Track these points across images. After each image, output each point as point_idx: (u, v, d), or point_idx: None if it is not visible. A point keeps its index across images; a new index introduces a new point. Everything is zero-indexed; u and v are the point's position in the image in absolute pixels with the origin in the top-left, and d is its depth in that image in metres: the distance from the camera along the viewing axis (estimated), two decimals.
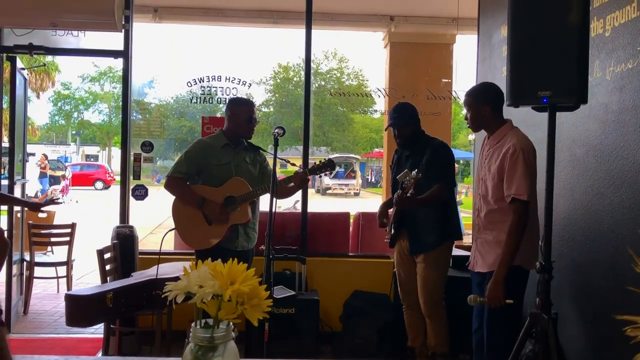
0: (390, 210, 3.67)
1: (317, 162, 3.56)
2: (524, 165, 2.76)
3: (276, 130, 3.26)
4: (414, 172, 3.28)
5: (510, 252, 2.76)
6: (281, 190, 3.48)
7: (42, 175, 19.73)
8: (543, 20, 2.61)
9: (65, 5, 4.24)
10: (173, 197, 3.56)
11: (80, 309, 3.32)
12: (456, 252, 4.28)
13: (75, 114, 34.11)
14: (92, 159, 33.63)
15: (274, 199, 3.11)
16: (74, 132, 35.27)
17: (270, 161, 3.40)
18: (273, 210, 3.06)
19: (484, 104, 2.99)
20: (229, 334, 1.11)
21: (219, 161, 3.52)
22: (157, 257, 3.51)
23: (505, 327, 2.88)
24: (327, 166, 3.48)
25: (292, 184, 3.52)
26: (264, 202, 3.56)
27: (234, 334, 1.13)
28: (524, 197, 2.74)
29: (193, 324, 1.12)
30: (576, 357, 3.02)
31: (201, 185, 3.52)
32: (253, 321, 1.09)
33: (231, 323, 1.12)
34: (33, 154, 19.49)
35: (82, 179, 24.68)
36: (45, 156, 21.14)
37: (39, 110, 39.67)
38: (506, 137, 2.91)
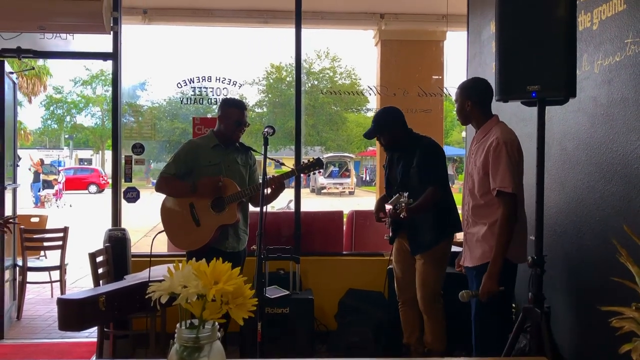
0: (388, 206, 3.67)
1: (305, 162, 3.56)
2: (507, 158, 2.77)
3: (266, 130, 3.24)
4: (404, 197, 3.29)
5: (502, 245, 2.76)
6: (257, 197, 3.44)
7: (36, 180, 19.65)
8: (531, 15, 2.62)
9: (53, 8, 4.22)
10: (162, 200, 3.55)
11: (73, 313, 3.29)
12: (453, 248, 4.28)
13: (68, 118, 33.91)
14: (85, 163, 33.45)
15: (262, 200, 3.08)
16: (66, 136, 35.09)
17: (261, 163, 3.38)
18: (264, 209, 3.05)
19: (466, 98, 3.02)
20: (215, 334, 1.10)
21: (209, 162, 3.50)
22: (149, 259, 3.50)
23: (496, 320, 2.90)
24: (316, 165, 3.48)
25: (269, 190, 3.47)
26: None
27: (220, 334, 1.12)
28: (508, 189, 2.75)
29: (178, 325, 1.11)
30: (570, 350, 3.03)
31: None
32: (238, 320, 1.08)
33: (216, 323, 1.11)
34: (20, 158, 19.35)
35: (76, 183, 24.56)
36: (42, 160, 21.08)
37: (32, 115, 39.51)
38: (491, 131, 2.92)
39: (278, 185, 3.45)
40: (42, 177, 19.98)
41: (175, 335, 1.11)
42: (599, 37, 2.81)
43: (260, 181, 3.20)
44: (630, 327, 1.09)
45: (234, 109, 3.58)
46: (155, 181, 3.59)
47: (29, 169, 19.41)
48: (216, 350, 1.10)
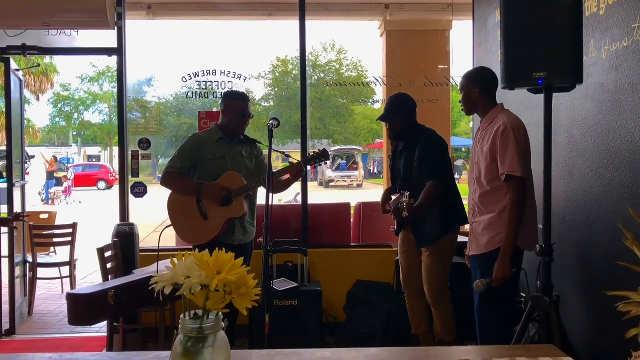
0: (394, 197, 3.66)
1: (311, 153, 3.56)
2: (515, 142, 2.75)
3: (271, 122, 3.23)
4: (405, 197, 3.28)
5: (513, 230, 2.75)
6: (276, 183, 3.44)
7: (50, 177, 19.78)
8: (536, 1, 2.59)
9: (57, 4, 4.23)
10: (169, 195, 3.56)
11: (82, 308, 3.31)
12: (460, 238, 4.27)
13: (76, 115, 34.07)
14: (94, 160, 33.62)
15: (271, 193, 3.09)
16: (75, 133, 35.27)
17: (266, 156, 3.39)
18: (270, 202, 3.05)
19: (474, 85, 3.00)
20: (219, 325, 1.10)
21: (213, 155, 3.50)
22: (157, 254, 3.51)
23: (501, 305, 2.89)
24: (322, 156, 3.48)
25: (287, 175, 3.51)
26: (262, 196, 3.55)
27: (224, 325, 1.12)
28: (517, 173, 2.73)
29: (182, 315, 1.11)
30: (579, 338, 3.01)
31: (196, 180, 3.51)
32: (242, 310, 1.08)
33: (220, 313, 1.11)
34: (33, 157, 19.54)
35: (85, 180, 24.70)
36: (56, 158, 21.23)
37: (40, 113, 39.70)
38: (497, 118, 2.90)
39: (296, 171, 3.48)
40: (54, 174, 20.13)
41: (180, 325, 1.11)
42: (605, 22, 2.77)
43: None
44: (637, 311, 1.08)
45: (236, 101, 3.58)
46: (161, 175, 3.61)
47: (46, 172, 19.56)
48: (220, 341, 1.10)
